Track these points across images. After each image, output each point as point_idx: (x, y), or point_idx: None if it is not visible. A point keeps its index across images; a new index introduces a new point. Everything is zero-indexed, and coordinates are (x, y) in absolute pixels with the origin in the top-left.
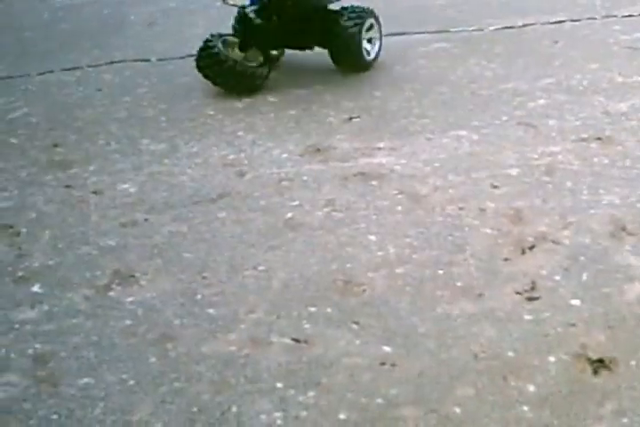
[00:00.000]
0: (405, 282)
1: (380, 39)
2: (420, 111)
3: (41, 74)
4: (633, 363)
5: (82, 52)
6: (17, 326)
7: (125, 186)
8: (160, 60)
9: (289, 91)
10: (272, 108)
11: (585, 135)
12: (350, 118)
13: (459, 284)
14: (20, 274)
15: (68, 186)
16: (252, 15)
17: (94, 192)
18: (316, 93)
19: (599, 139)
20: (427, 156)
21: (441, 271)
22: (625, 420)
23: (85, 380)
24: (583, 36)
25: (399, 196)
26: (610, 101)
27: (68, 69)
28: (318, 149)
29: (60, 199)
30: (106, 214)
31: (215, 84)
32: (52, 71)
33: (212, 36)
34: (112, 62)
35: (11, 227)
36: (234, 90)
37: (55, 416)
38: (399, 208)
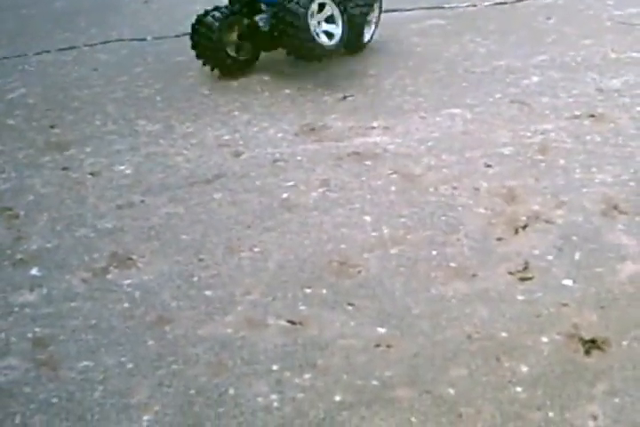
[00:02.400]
0: (400, 263)
1: (375, 22)
2: (414, 89)
3: (38, 54)
4: (625, 343)
5: (78, 30)
6: (16, 309)
7: (122, 167)
8: (156, 38)
9: (284, 70)
10: (267, 88)
11: (578, 113)
12: (345, 97)
13: (452, 264)
14: (18, 257)
15: (65, 168)
16: (261, 24)
17: (91, 174)
18: (310, 72)
19: (592, 116)
20: (421, 135)
21: (435, 252)
22: (617, 400)
23: (85, 363)
24: (576, 12)
25: (393, 175)
26: (603, 78)
27: (65, 49)
28: (313, 129)
29: (58, 181)
30: (103, 196)
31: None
32: (48, 51)
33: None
34: (108, 41)
35: (9, 209)
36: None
37: (55, 400)
38: (393, 188)
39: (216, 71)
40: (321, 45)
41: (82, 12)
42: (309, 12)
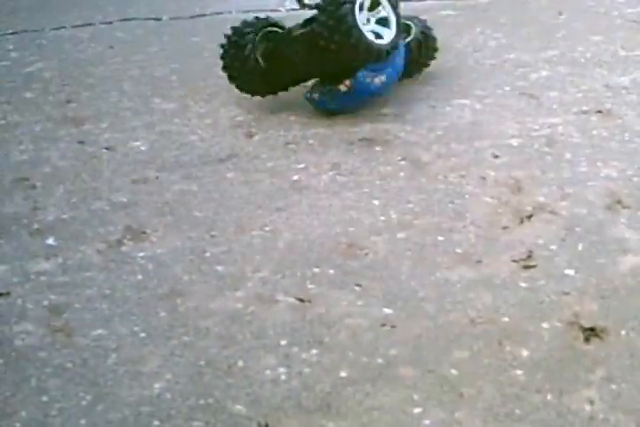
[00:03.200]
0: (406, 247)
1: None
2: (424, 79)
3: (55, 29)
4: (623, 332)
5: (95, 8)
6: (32, 277)
7: (137, 143)
8: (172, 18)
9: None
10: None
11: (586, 108)
12: None
13: (458, 250)
14: (35, 227)
15: (81, 142)
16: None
17: (107, 149)
18: None
19: (599, 112)
20: (430, 123)
21: (441, 238)
22: (613, 386)
23: (99, 331)
24: (587, 8)
25: (402, 162)
26: (612, 75)
27: (81, 26)
28: (324, 113)
29: (74, 155)
30: (118, 171)
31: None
32: (65, 27)
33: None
34: (124, 20)
35: (26, 180)
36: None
37: (70, 365)
38: (402, 174)
39: None
40: (373, 43)
41: None
42: (356, 6)
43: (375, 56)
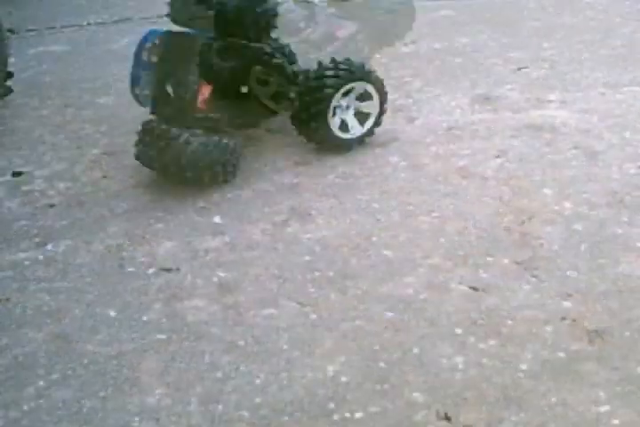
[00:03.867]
0: (582, 239)
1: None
2: (592, 64)
3: None
4: (627, 334)
5: None
6: (201, 253)
7: None
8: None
9: (454, 39)
10: (437, 56)
11: None
12: (519, 69)
13: (639, 245)
14: (201, 204)
15: None
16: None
17: (268, 131)
18: (481, 43)
19: None
20: (601, 111)
21: (620, 230)
22: (618, 388)
23: (269, 310)
24: None
25: (574, 150)
26: None
27: None
28: (488, 98)
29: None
30: (279, 152)
31: None
32: None
33: None
34: None
35: None
36: None
37: (242, 342)
38: (574, 163)
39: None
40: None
41: None
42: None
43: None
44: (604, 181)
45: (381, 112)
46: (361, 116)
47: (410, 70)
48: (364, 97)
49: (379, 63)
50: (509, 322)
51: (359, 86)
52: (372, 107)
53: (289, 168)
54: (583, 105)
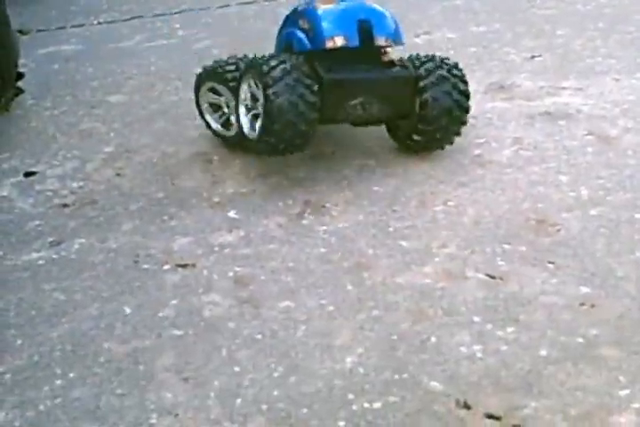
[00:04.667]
0: (600, 224)
1: None
2: (605, 51)
3: (220, 7)
4: None
5: None
6: (216, 248)
7: None
8: None
9: (467, 28)
10: (452, 45)
11: None
12: (533, 57)
13: None
14: (215, 200)
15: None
16: None
17: None
18: (494, 32)
19: None
20: (615, 97)
21: (638, 215)
22: (638, 372)
23: (286, 303)
24: None
25: (588, 137)
26: None
27: (247, 3)
28: (502, 87)
29: None
30: None
31: None
32: (229, 5)
33: None
34: None
35: (204, 154)
36: None
37: (259, 336)
38: (589, 149)
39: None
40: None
41: None
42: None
43: None
44: (620, 166)
45: None
46: None
47: None
48: None
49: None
50: (527, 309)
51: None
52: None
53: (304, 161)
54: (597, 91)
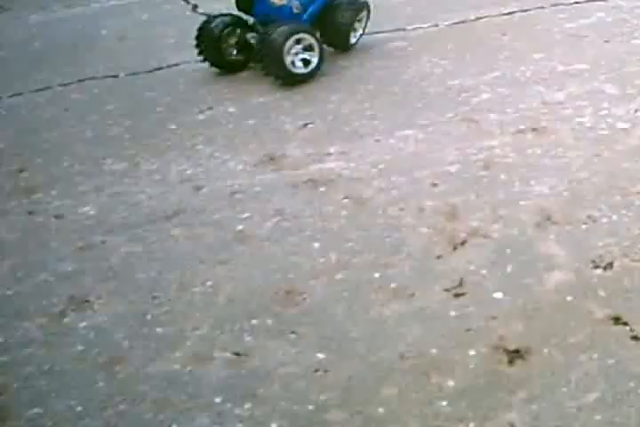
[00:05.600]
0: (343, 287)
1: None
2: (371, 113)
3: (11, 96)
4: (545, 351)
5: (53, 70)
6: None
7: (86, 208)
8: (128, 74)
9: (250, 100)
10: (232, 119)
11: (522, 127)
12: (305, 125)
13: (393, 285)
14: None
15: (30, 212)
16: (252, 40)
17: (56, 217)
18: (275, 101)
19: (535, 130)
20: (373, 158)
21: (377, 274)
22: (534, 406)
23: (35, 410)
24: (530, 26)
25: (345, 200)
26: (549, 91)
27: (40, 90)
28: (272, 158)
29: (22, 226)
30: (65, 239)
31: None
32: (21, 93)
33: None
34: (82, 80)
35: None
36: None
37: None
38: (344, 213)
39: (182, 105)
40: (295, 73)
41: (58, 51)
42: (286, 47)
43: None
44: (369, 227)
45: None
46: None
47: (202, 137)
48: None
49: (174, 134)
50: (265, 382)
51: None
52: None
53: (72, 254)
54: (358, 154)
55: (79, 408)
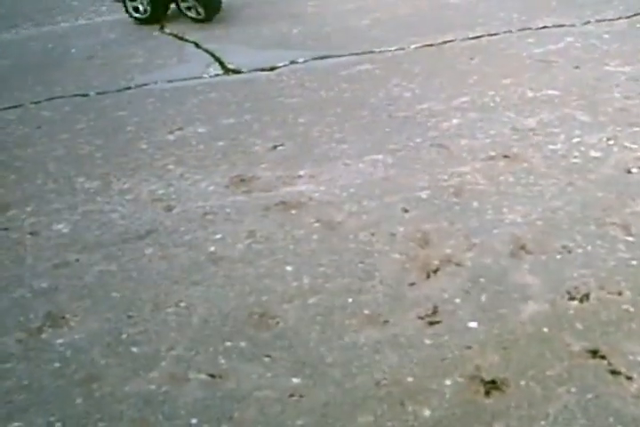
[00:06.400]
0: (316, 312)
1: None
2: (340, 136)
3: None
4: (522, 383)
5: (24, 88)
6: None
7: (60, 226)
8: (98, 93)
9: (219, 121)
10: (202, 140)
11: (493, 153)
12: (275, 147)
13: (366, 311)
14: None
15: (5, 228)
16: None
17: (30, 233)
18: (245, 122)
19: (506, 156)
20: (344, 182)
21: (350, 299)
22: None
23: (15, 424)
24: (498, 51)
25: (316, 224)
26: (519, 117)
27: (11, 108)
28: (243, 180)
29: None
30: (40, 256)
31: None
32: None
33: None
34: (52, 98)
35: None
36: None
37: None
38: (315, 237)
39: (153, 124)
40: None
41: (29, 70)
42: None
43: None
44: (341, 251)
45: None
46: None
47: (173, 158)
48: None
49: (145, 153)
50: (241, 405)
51: None
52: None
53: (48, 271)
54: (328, 177)
55: (58, 424)
